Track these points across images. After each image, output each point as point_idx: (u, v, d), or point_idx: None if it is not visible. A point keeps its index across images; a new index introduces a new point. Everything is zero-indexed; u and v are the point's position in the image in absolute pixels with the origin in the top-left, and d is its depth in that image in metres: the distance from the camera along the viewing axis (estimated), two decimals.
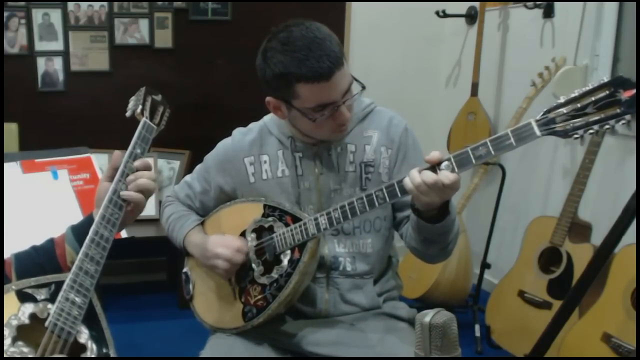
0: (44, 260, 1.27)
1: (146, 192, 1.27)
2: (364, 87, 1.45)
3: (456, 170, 1.24)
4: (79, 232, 1.28)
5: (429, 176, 1.23)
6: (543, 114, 1.16)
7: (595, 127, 1.13)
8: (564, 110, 1.15)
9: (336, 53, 1.34)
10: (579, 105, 1.14)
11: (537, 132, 1.16)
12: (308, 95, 1.36)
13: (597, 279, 1.42)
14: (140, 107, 1.37)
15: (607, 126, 1.12)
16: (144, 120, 1.35)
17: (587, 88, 1.14)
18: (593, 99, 1.13)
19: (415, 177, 1.25)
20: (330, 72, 1.32)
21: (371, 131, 1.53)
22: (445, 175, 1.22)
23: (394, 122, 1.54)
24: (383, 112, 1.57)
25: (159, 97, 1.44)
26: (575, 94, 1.15)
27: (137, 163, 1.28)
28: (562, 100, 1.16)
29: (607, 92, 1.12)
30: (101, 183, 1.29)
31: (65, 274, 1.20)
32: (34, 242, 1.67)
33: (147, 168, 1.29)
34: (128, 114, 1.38)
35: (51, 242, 1.30)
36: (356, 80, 1.43)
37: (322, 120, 1.39)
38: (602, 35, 2.72)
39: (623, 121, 1.11)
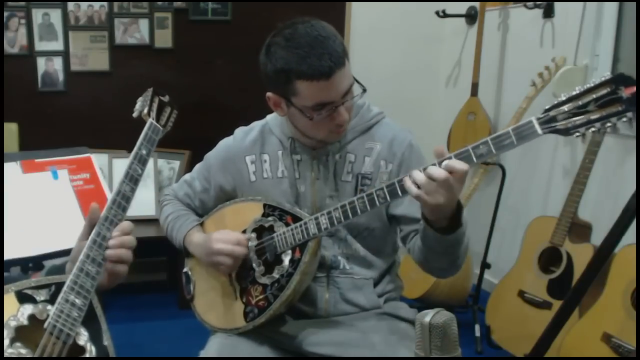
0: None
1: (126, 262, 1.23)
2: (364, 90, 1.43)
3: None
4: None
5: (438, 173, 1.20)
6: (544, 112, 1.16)
7: (597, 124, 1.12)
8: (565, 108, 1.14)
9: (338, 52, 1.33)
10: (580, 102, 1.13)
11: (539, 130, 1.15)
12: (307, 93, 1.36)
13: (597, 279, 1.41)
14: (147, 108, 1.36)
15: (608, 124, 1.12)
16: (150, 121, 1.34)
17: (588, 85, 1.13)
18: (594, 96, 1.12)
19: (418, 176, 1.22)
20: (330, 71, 1.32)
21: (374, 143, 1.51)
22: (457, 164, 1.19)
23: (399, 137, 1.51)
24: (389, 125, 1.54)
25: (166, 99, 1.43)
26: (577, 91, 1.14)
27: (115, 232, 1.21)
28: (563, 97, 1.15)
29: (608, 89, 1.11)
30: (79, 242, 1.23)
31: (65, 275, 1.19)
32: (34, 242, 1.66)
33: (126, 233, 1.23)
34: (135, 114, 1.38)
35: None
36: (357, 82, 1.42)
37: (319, 119, 1.39)
38: (602, 35, 2.72)
39: (624, 119, 1.10)
